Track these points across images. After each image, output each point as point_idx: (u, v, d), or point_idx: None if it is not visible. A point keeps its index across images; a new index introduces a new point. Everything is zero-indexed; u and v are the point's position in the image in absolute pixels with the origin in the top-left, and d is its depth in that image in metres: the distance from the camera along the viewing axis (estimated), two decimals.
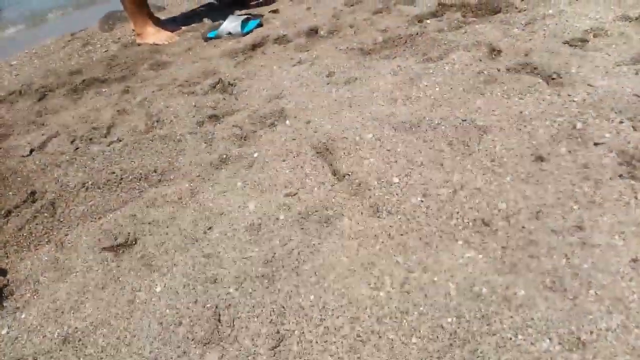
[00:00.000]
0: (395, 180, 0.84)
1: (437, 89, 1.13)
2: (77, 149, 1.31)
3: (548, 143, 0.82)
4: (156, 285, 0.80)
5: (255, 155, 1.10)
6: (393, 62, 1.37)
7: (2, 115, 1.81)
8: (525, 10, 1.46)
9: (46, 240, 1.00)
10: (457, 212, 0.73)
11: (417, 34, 1.53)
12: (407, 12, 1.77)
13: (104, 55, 2.44)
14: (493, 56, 1.23)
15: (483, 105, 1.01)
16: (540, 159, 0.79)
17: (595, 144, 0.79)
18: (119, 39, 2.78)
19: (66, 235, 0.98)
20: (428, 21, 1.64)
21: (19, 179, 1.20)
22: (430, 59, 1.32)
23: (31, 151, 1.36)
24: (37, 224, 1.05)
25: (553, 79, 1.03)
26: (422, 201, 0.78)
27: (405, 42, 1.51)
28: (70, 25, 4.01)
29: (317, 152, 1.02)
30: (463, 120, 0.96)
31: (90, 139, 1.34)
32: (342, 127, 1.07)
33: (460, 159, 0.86)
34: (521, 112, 0.93)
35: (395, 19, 1.73)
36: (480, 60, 1.21)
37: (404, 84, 1.20)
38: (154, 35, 2.38)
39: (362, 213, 0.79)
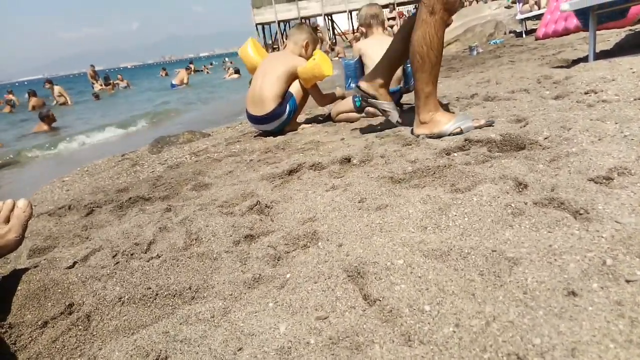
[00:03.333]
0: (427, 308, 0.84)
1: (466, 219, 1.17)
2: (117, 263, 1.37)
3: (579, 278, 0.83)
4: None
5: (288, 276, 1.12)
6: (422, 192, 1.44)
7: (49, 228, 1.93)
8: (549, 148, 1.55)
9: (78, 354, 1.01)
10: (491, 345, 0.72)
11: (445, 166, 1.62)
12: (435, 145, 1.89)
13: (150, 175, 2.63)
14: (519, 190, 1.29)
15: (512, 237, 1.03)
16: (572, 293, 0.79)
17: (627, 281, 0.79)
18: (165, 161, 3.01)
19: (99, 349, 0.99)
20: (455, 154, 1.74)
21: (59, 290, 1.25)
22: (459, 190, 1.39)
23: (74, 264, 1.43)
24: (70, 337, 1.07)
25: (580, 214, 1.06)
26: (454, 332, 0.77)
27: (434, 173, 1.60)
28: (123, 146, 4.39)
29: (349, 276, 1.04)
30: (493, 251, 0.98)
31: (131, 254, 1.40)
32: (373, 251, 1.10)
33: (492, 290, 0.86)
34: (550, 246, 0.95)
35: (423, 151, 1.84)
36: (508, 193, 1.26)
37: (433, 213, 1.25)
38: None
39: (393, 341, 0.79)
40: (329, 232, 1.31)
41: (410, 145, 2.02)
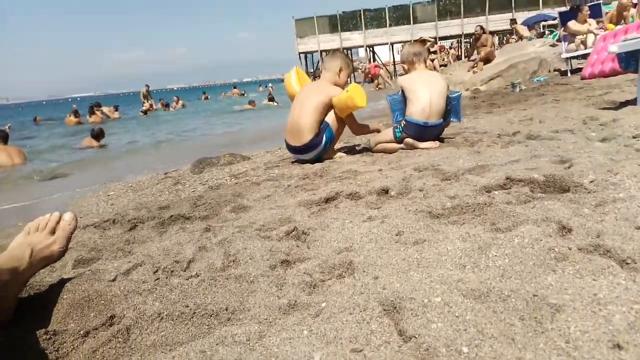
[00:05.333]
0: (465, 350, 0.83)
1: (506, 260, 1.15)
2: (158, 279, 1.41)
3: (625, 331, 0.80)
4: None
5: (323, 305, 1.13)
6: (461, 229, 1.43)
7: (94, 240, 2.01)
8: (594, 192, 1.51)
9: None
10: None
11: (485, 203, 1.60)
12: (475, 182, 1.87)
13: (191, 195, 2.70)
14: (563, 234, 1.26)
15: (555, 282, 1.01)
16: (618, 346, 0.76)
17: None
18: (206, 181, 3.10)
19: None
20: (496, 192, 1.72)
21: (102, 301, 1.29)
22: (499, 229, 1.37)
23: (116, 277, 1.48)
24: (110, 348, 1.10)
25: (627, 263, 1.03)
26: None
27: (474, 210, 1.58)
28: (167, 165, 4.54)
29: (384, 310, 1.04)
30: (534, 296, 0.96)
31: (171, 272, 1.44)
32: (410, 287, 1.10)
33: (533, 336, 0.84)
34: (595, 295, 0.93)
35: (463, 187, 1.83)
36: (550, 236, 1.23)
37: (472, 252, 1.23)
38: None
39: None
40: (365, 264, 1.31)
41: (450, 180, 2.01)
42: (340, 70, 3.36)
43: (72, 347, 1.14)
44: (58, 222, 1.35)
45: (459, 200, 1.70)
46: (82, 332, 1.17)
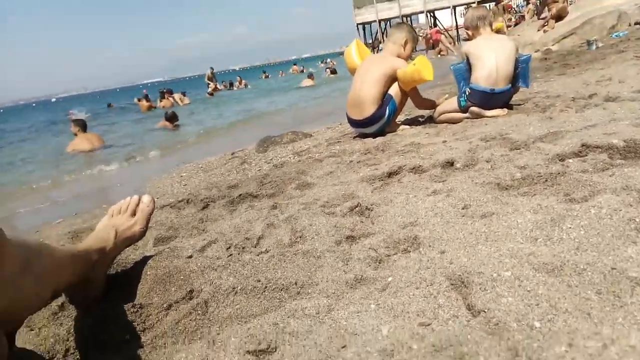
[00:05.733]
0: (537, 324, 0.81)
1: (582, 232, 1.10)
2: (230, 255, 1.48)
3: None
4: None
5: (389, 279, 1.14)
6: (532, 200, 1.38)
7: (171, 219, 2.14)
8: None
9: (199, 336, 1.12)
10: None
11: (558, 173, 1.53)
12: (547, 150, 1.78)
13: (258, 174, 2.79)
14: None
15: (635, 254, 0.95)
16: None
17: None
18: (270, 160, 3.18)
19: (217, 334, 1.09)
20: (570, 161, 1.63)
21: (181, 277, 1.39)
22: (574, 200, 1.30)
23: (193, 254, 1.58)
24: (191, 320, 1.19)
25: None
26: (566, 351, 0.74)
27: (546, 180, 1.51)
28: (233, 145, 4.70)
29: (452, 284, 1.03)
30: (612, 269, 0.91)
31: (243, 248, 1.51)
32: (478, 261, 1.08)
33: (610, 310, 0.81)
34: None
35: (534, 157, 1.75)
36: (631, 205, 1.16)
37: (544, 224, 1.19)
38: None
39: (499, 355, 0.77)
40: (430, 238, 1.31)
41: (519, 149, 1.93)
42: (405, 42, 3.27)
43: (156, 319, 1.24)
44: (137, 205, 1.45)
45: (529, 170, 1.63)
46: (165, 305, 1.27)
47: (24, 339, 1.20)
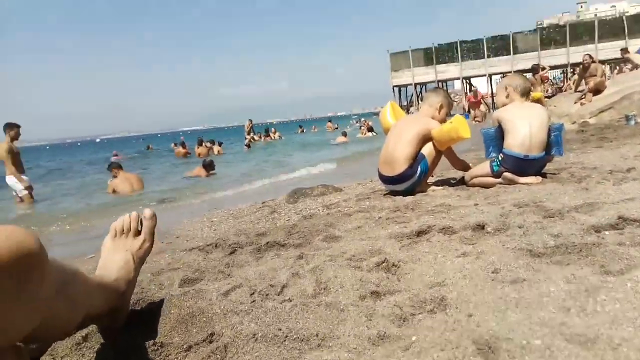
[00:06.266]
0: None
1: (617, 305, 1.06)
2: (254, 301, 1.48)
3: None
4: None
5: (413, 339, 1.11)
6: (565, 269, 1.34)
7: (198, 262, 2.16)
8: None
9: None
10: None
11: (593, 244, 1.49)
12: (583, 220, 1.75)
13: (286, 223, 2.81)
14: None
15: None
16: None
17: None
18: (300, 211, 3.21)
19: None
20: (606, 232, 1.59)
21: (204, 319, 1.39)
22: (609, 272, 1.26)
23: (217, 297, 1.58)
24: None
25: None
26: None
27: (580, 250, 1.47)
28: (264, 194, 4.77)
29: (478, 349, 1.00)
30: None
31: (266, 295, 1.51)
32: (507, 327, 1.05)
33: None
34: None
35: (568, 226, 1.72)
36: None
37: (578, 294, 1.15)
38: None
39: None
40: (458, 300, 1.28)
41: (553, 217, 1.89)
42: (440, 106, 3.34)
43: (176, 359, 1.24)
44: (138, 221, 1.44)
45: (563, 239, 1.59)
46: (185, 346, 1.27)
47: None
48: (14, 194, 7.28)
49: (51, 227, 4.99)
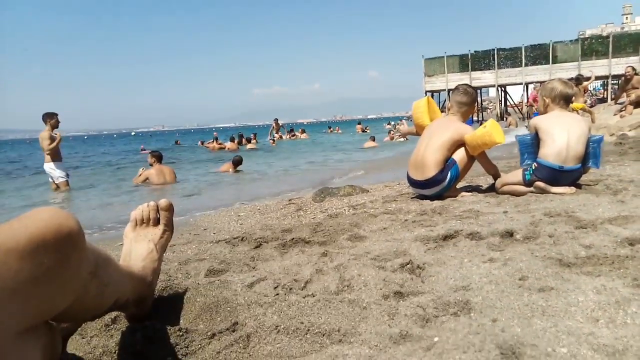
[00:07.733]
0: None
1: None
2: (277, 294, 1.50)
3: None
4: None
5: (435, 339, 1.11)
6: (596, 280, 1.30)
7: (225, 254, 2.20)
8: None
9: None
10: None
11: (626, 256, 1.45)
12: (616, 232, 1.70)
13: (312, 221, 2.83)
14: None
15: None
16: None
17: None
18: (326, 209, 3.22)
19: None
20: None
21: (228, 308, 1.42)
22: None
23: (241, 288, 1.61)
24: (232, 352, 1.20)
25: None
26: None
27: (612, 262, 1.43)
28: (291, 192, 4.81)
29: (502, 353, 0.98)
30: None
31: (290, 289, 1.53)
32: (532, 333, 1.03)
33: None
34: None
35: (601, 237, 1.67)
36: None
37: (608, 305, 1.12)
38: None
39: None
40: (483, 305, 1.26)
41: (586, 228, 1.85)
42: (468, 107, 3.31)
43: (199, 345, 1.26)
44: (156, 210, 1.46)
45: (595, 250, 1.55)
46: (209, 334, 1.29)
47: (75, 346, 1.26)
48: (50, 179, 7.56)
49: (83, 213, 5.16)
